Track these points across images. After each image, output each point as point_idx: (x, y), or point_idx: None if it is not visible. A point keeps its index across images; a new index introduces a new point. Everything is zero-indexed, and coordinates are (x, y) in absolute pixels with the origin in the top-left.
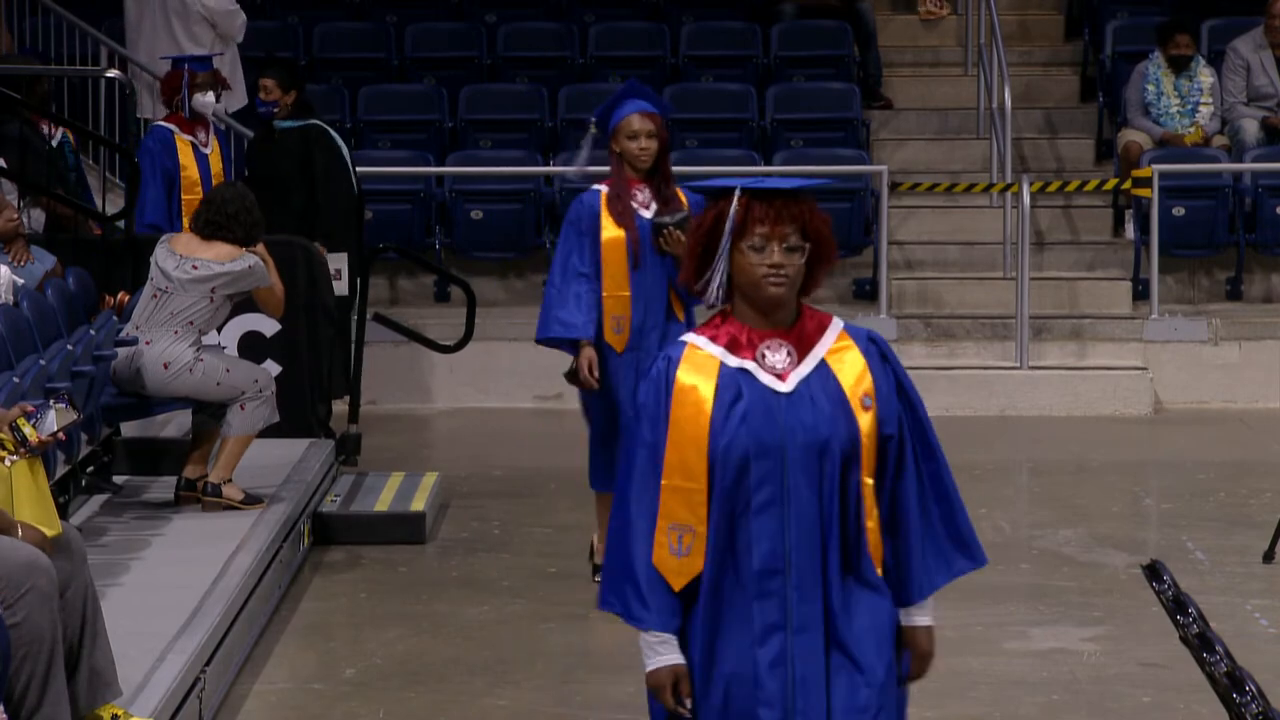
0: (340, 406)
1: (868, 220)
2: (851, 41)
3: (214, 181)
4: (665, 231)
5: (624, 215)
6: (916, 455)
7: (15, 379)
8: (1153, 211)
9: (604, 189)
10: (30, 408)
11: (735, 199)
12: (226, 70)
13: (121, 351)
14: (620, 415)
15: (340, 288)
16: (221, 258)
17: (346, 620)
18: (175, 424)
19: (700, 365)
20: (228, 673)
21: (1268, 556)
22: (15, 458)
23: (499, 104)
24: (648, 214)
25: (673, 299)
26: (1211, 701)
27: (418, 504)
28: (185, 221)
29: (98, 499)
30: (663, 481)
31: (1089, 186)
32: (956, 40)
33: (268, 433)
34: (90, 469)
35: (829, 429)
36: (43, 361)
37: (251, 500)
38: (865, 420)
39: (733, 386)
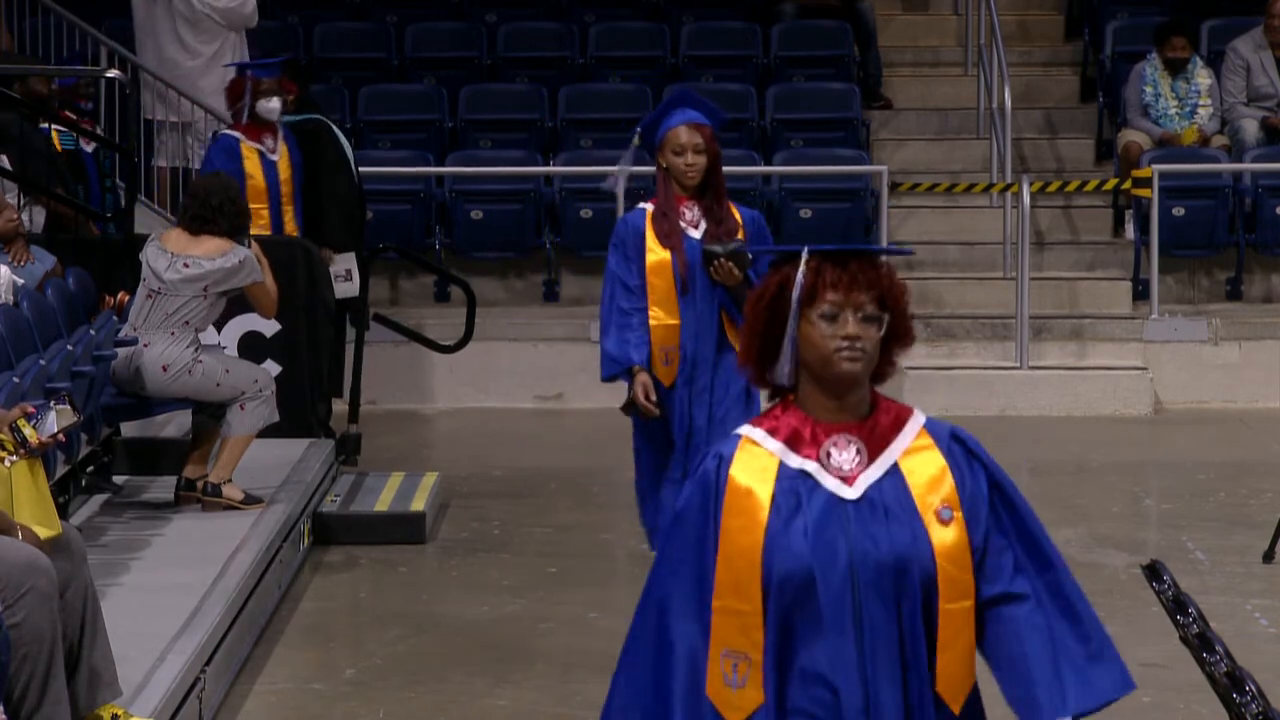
0: (340, 406)
1: (868, 220)
2: (851, 41)
3: (282, 190)
4: (715, 262)
5: (671, 236)
6: (1026, 568)
7: (15, 379)
8: (1153, 211)
9: (650, 207)
10: (30, 408)
11: (803, 262)
12: (220, 58)
13: (121, 352)
14: (674, 452)
15: (351, 288)
16: (212, 253)
17: (346, 620)
18: (175, 424)
19: (756, 465)
20: (228, 673)
21: (1268, 556)
22: (15, 458)
23: (499, 104)
24: (697, 234)
25: (727, 327)
26: (1211, 701)
27: (418, 504)
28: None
29: (98, 499)
30: (714, 602)
31: (1089, 186)
32: (956, 40)
33: (268, 433)
34: (90, 469)
35: (903, 545)
36: (43, 361)
37: (251, 500)
38: (945, 536)
39: (793, 492)
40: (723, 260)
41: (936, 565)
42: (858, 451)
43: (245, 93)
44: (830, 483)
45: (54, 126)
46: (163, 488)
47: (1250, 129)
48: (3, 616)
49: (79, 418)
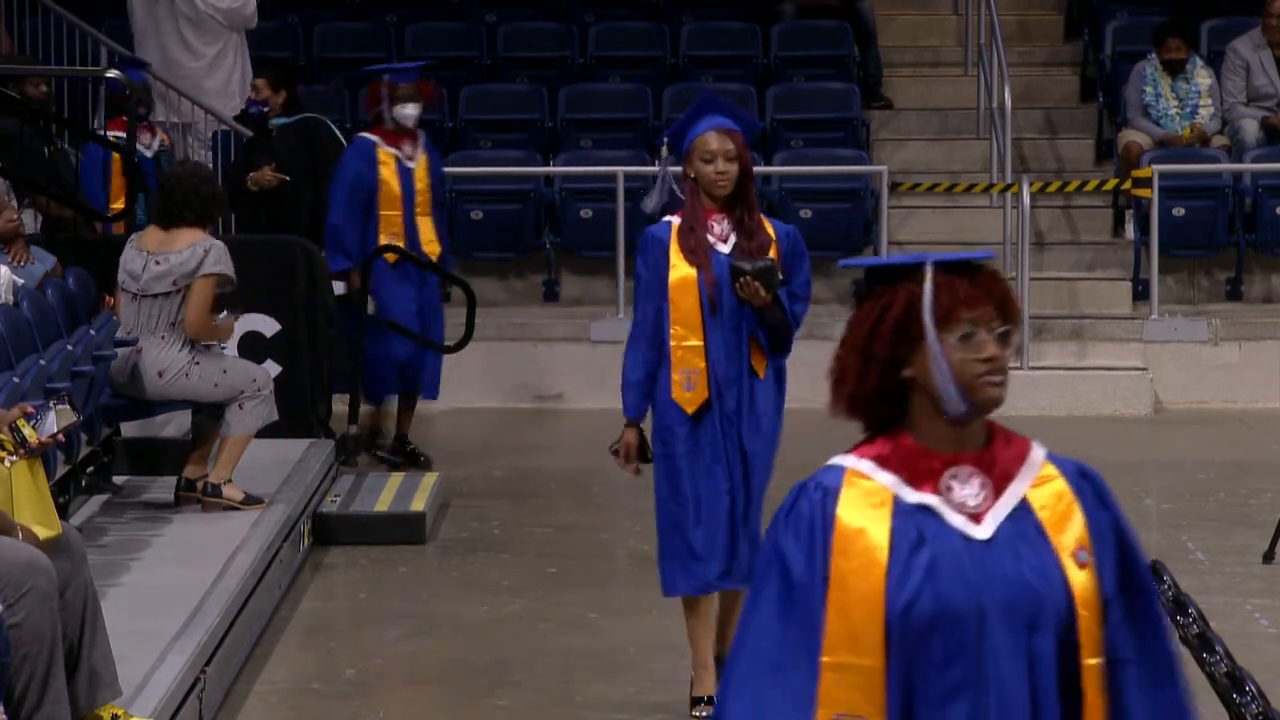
0: (340, 406)
1: (868, 220)
2: (851, 41)
3: (418, 199)
4: (742, 280)
5: (697, 251)
6: (1139, 631)
7: (15, 379)
8: (1153, 211)
9: (675, 220)
10: (30, 408)
11: (929, 277)
12: (237, 67)
13: (119, 353)
14: (703, 482)
15: (339, 288)
16: (182, 247)
17: (346, 620)
18: (175, 424)
19: (868, 500)
20: (228, 673)
21: (1268, 556)
22: (15, 459)
23: (499, 104)
24: (726, 249)
25: (754, 351)
26: (1211, 701)
27: (418, 504)
28: (381, 238)
29: (98, 499)
30: (823, 658)
31: (1089, 186)
32: (956, 40)
33: (268, 433)
34: (90, 469)
35: (1041, 591)
36: (43, 361)
37: (251, 500)
38: (1082, 581)
39: (913, 529)
40: (749, 279)
41: (1076, 614)
42: (981, 485)
43: (382, 98)
44: (956, 519)
45: (111, 133)
46: (163, 488)
47: (1250, 129)
48: (3, 616)
49: (79, 418)
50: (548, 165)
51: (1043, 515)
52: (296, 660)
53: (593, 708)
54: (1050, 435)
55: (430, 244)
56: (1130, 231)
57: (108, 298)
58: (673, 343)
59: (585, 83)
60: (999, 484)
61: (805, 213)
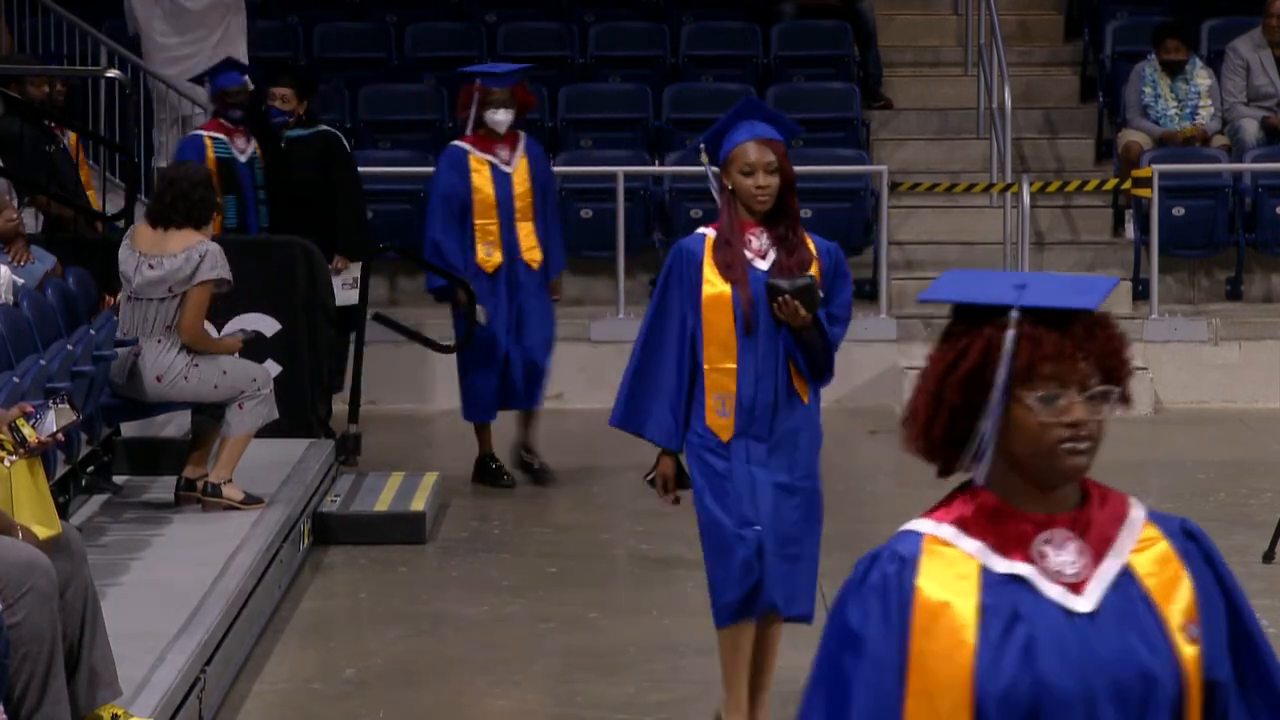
0: (340, 406)
1: (868, 220)
2: (851, 41)
3: (517, 205)
4: (780, 299)
5: (733, 267)
6: (1263, 709)
7: (15, 379)
8: (1153, 211)
9: (710, 233)
10: (30, 408)
11: (1012, 325)
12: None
13: (119, 353)
14: (738, 512)
15: (353, 296)
16: (176, 250)
17: (346, 620)
18: (175, 424)
19: (951, 571)
20: (228, 673)
21: (1268, 556)
22: (15, 458)
23: None
24: (764, 265)
25: (793, 375)
26: None
27: (418, 504)
28: (480, 251)
29: (98, 499)
30: None
31: (1089, 186)
32: (956, 40)
33: (268, 432)
34: (90, 469)
35: (1152, 670)
36: (43, 361)
37: (251, 500)
38: (1191, 657)
39: (1005, 604)
40: (788, 298)
41: (1187, 697)
42: (1079, 550)
43: (473, 102)
44: (1053, 591)
45: (209, 134)
46: (163, 488)
47: (1250, 129)
48: (3, 616)
49: (78, 417)
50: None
51: (1149, 583)
52: (296, 660)
53: (593, 708)
54: None
55: (531, 250)
56: (1130, 231)
57: (108, 297)
58: (706, 365)
59: (585, 83)
60: (1097, 549)
61: (805, 212)
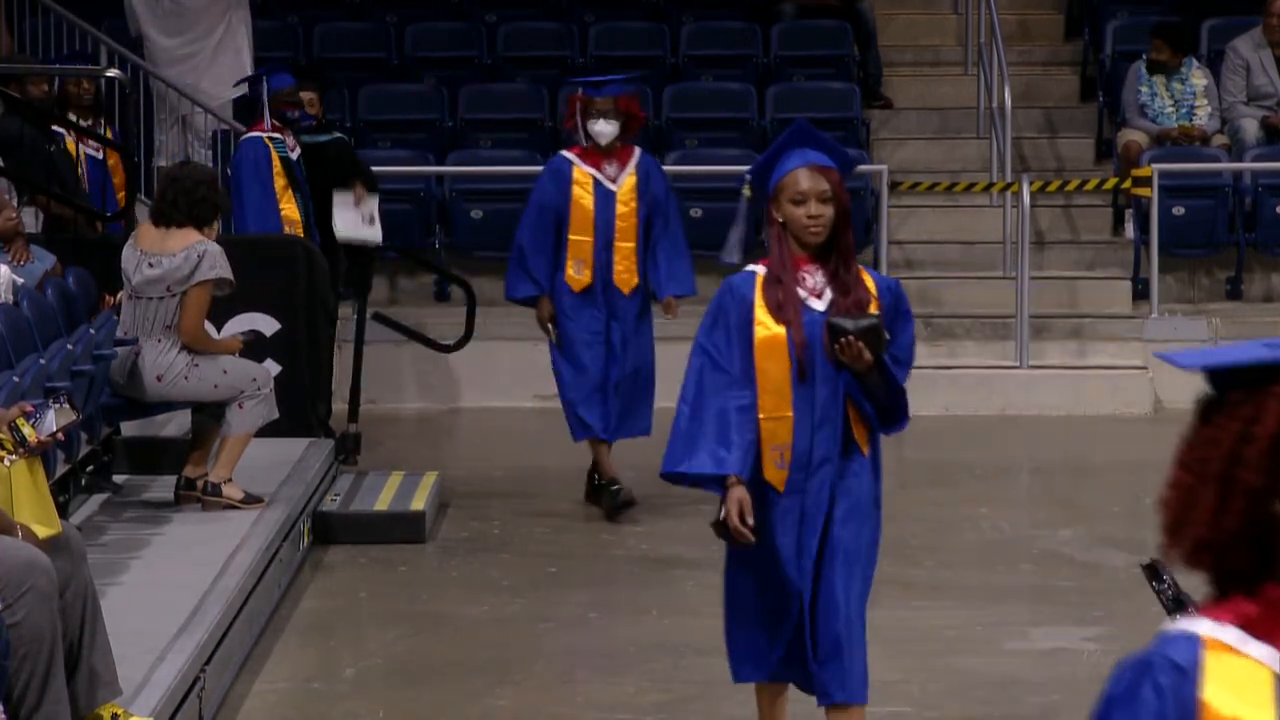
0: (340, 406)
1: (868, 220)
2: (851, 41)
3: (617, 225)
4: (842, 341)
5: (786, 307)
6: None
7: (15, 379)
8: (1153, 211)
9: (760, 270)
10: (30, 408)
11: None
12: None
13: (120, 353)
14: (778, 577)
15: (375, 233)
16: (176, 249)
17: (346, 620)
18: (175, 424)
19: (1243, 680)
20: (228, 672)
21: None
22: (15, 458)
23: (499, 104)
24: (820, 305)
25: (853, 422)
26: None
27: (418, 504)
28: (570, 268)
29: (98, 499)
30: None
31: (1089, 186)
32: (956, 40)
33: (268, 432)
34: (90, 468)
35: None
36: (43, 361)
37: (251, 500)
38: None
39: None
40: (852, 339)
41: None
42: None
43: (578, 112)
44: None
45: (267, 135)
46: (163, 488)
47: (1250, 128)
48: (3, 616)
49: (78, 417)
50: None
51: None
52: (296, 660)
53: (593, 708)
54: (1050, 435)
55: (625, 274)
56: (1130, 231)
57: (108, 297)
58: (761, 415)
59: None
60: None
61: None
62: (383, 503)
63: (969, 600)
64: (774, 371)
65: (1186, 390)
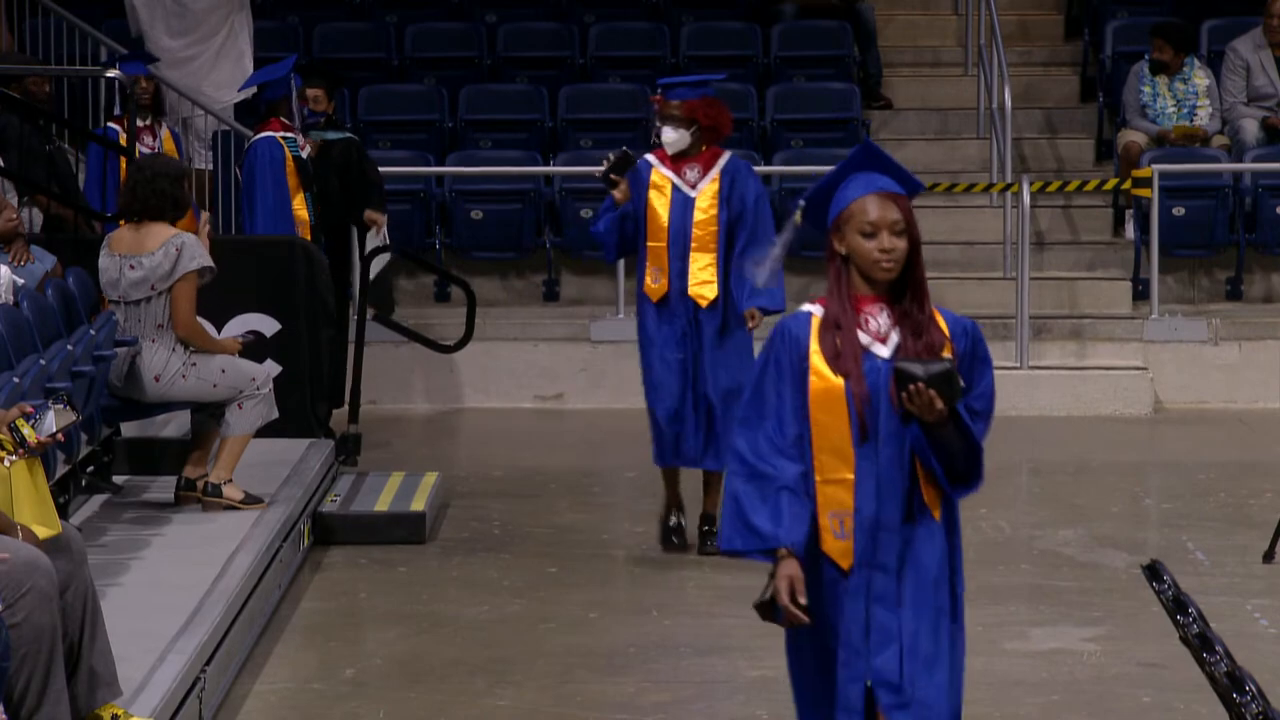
0: (340, 406)
1: None
2: (851, 41)
3: (694, 233)
4: (911, 388)
5: (845, 356)
6: None
7: (15, 379)
8: (1153, 211)
9: (816, 311)
10: (29, 408)
11: None
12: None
13: (120, 353)
14: (846, 666)
15: (382, 241)
16: (153, 248)
17: (346, 620)
18: (175, 424)
19: None
20: (228, 673)
21: (1268, 556)
22: (14, 458)
23: (499, 104)
24: (884, 351)
25: (922, 483)
26: (1211, 701)
27: (418, 504)
28: (648, 276)
29: (98, 499)
30: None
31: (1089, 186)
32: (956, 40)
33: (268, 432)
34: (90, 469)
35: None
36: (43, 361)
37: (251, 500)
38: None
39: None
40: (921, 386)
41: None
42: None
43: (654, 114)
44: None
45: (280, 135)
46: (163, 488)
47: (1250, 129)
48: (3, 616)
49: (78, 417)
50: (548, 165)
51: None
52: (296, 660)
53: (593, 708)
54: (1050, 435)
55: (701, 286)
56: (1130, 231)
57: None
58: (818, 478)
59: (585, 83)
60: None
61: None
62: (383, 503)
63: (968, 600)
64: (831, 428)
65: (1187, 391)
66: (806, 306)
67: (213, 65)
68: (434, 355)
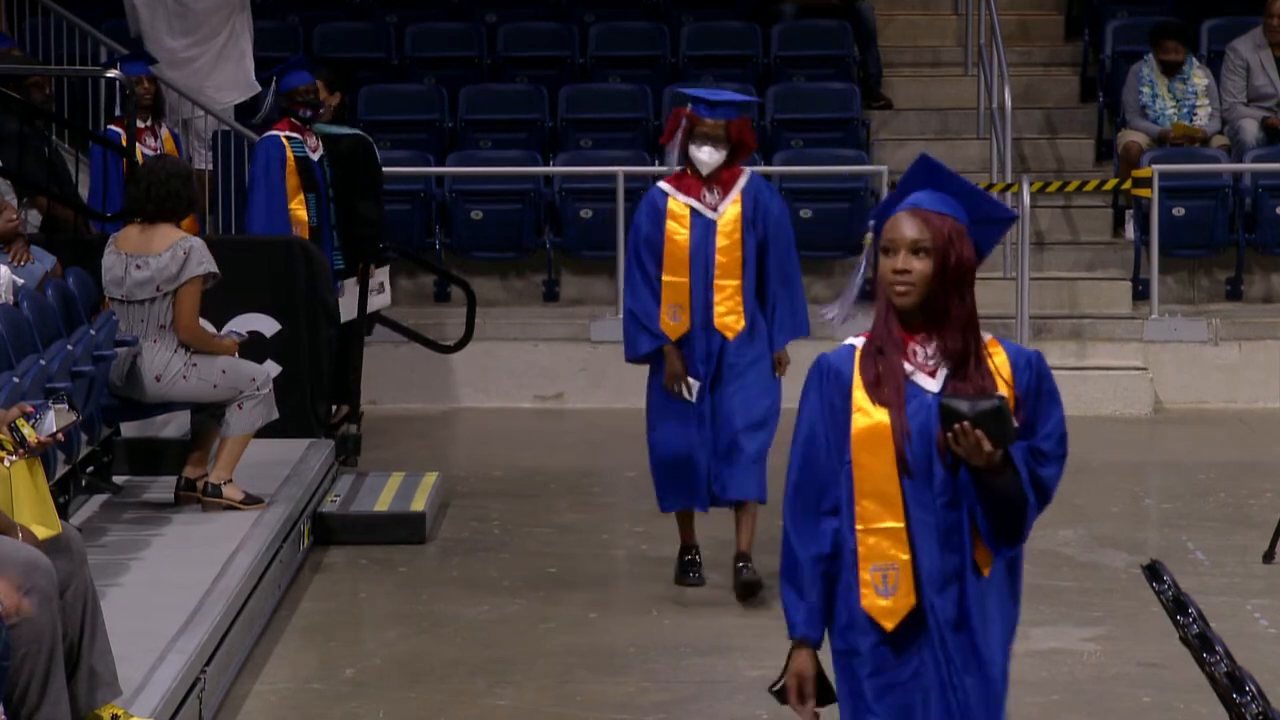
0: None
1: (867, 220)
2: (851, 41)
3: (718, 259)
4: (958, 427)
5: (887, 384)
6: None
7: (15, 379)
8: (1153, 211)
9: (858, 343)
10: (29, 408)
11: None
12: (233, 42)
13: (120, 353)
14: None
15: (384, 300)
16: (161, 249)
17: (346, 620)
18: (175, 424)
19: None
20: (228, 673)
21: (1268, 556)
22: (14, 458)
23: (499, 104)
24: (933, 385)
25: (975, 542)
26: (1211, 701)
27: (418, 504)
28: (664, 313)
29: (98, 499)
30: None
31: (1089, 186)
32: (956, 40)
33: (268, 432)
34: (90, 469)
35: None
36: (43, 361)
37: (251, 500)
38: None
39: None
40: (967, 425)
41: None
42: None
43: (679, 129)
44: None
45: (285, 135)
46: (163, 488)
47: (1250, 129)
48: (3, 616)
49: (78, 417)
50: (548, 165)
51: None
52: (296, 660)
53: (593, 708)
54: None
55: (727, 316)
56: (1130, 231)
57: (108, 298)
58: (859, 526)
59: (585, 83)
60: None
61: (805, 213)
62: (383, 503)
63: None
64: (876, 469)
65: (1186, 391)
66: (850, 339)
67: (214, 66)
68: (434, 355)
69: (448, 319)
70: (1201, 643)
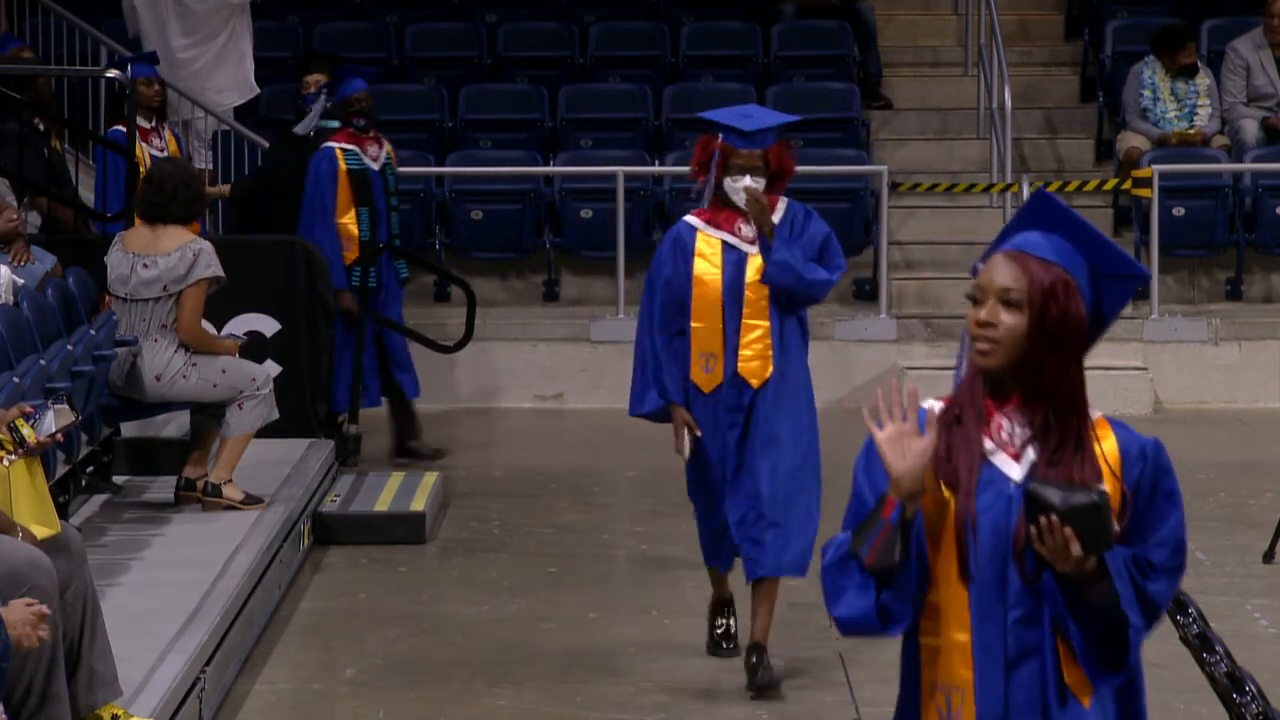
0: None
1: (868, 220)
2: (851, 41)
3: (746, 295)
4: (1043, 520)
5: (959, 458)
6: None
7: (15, 379)
8: (1153, 212)
9: (935, 407)
10: (29, 408)
11: None
12: (234, 42)
13: (119, 353)
14: None
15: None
16: (170, 249)
17: (346, 620)
18: (175, 424)
19: None
20: (228, 673)
21: (1268, 556)
22: (14, 458)
23: (499, 104)
24: (1015, 470)
25: (1065, 663)
26: (1211, 701)
27: (418, 504)
28: (695, 364)
29: (98, 499)
30: None
31: (1089, 186)
32: (956, 40)
33: (268, 432)
34: (90, 469)
35: None
36: (43, 361)
37: (252, 500)
38: None
39: None
40: (1055, 520)
41: None
42: None
43: (713, 162)
44: None
45: (340, 146)
46: (163, 488)
47: (1250, 129)
48: (2, 616)
49: (77, 417)
50: (548, 165)
51: None
52: (296, 660)
53: (593, 708)
54: None
55: (753, 361)
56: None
57: (108, 297)
58: (922, 638)
59: (585, 83)
60: None
61: None
62: (383, 503)
63: None
64: (937, 566)
65: (1186, 391)
66: (931, 401)
67: (214, 67)
68: (434, 355)
69: (448, 319)
70: (1201, 643)
